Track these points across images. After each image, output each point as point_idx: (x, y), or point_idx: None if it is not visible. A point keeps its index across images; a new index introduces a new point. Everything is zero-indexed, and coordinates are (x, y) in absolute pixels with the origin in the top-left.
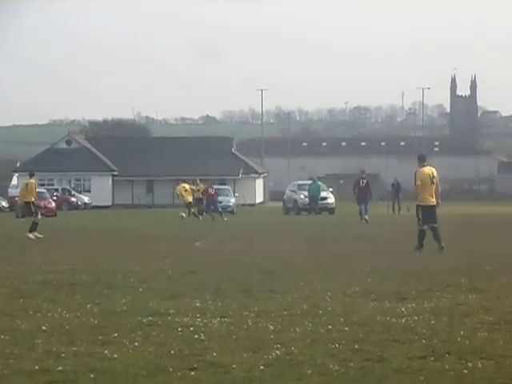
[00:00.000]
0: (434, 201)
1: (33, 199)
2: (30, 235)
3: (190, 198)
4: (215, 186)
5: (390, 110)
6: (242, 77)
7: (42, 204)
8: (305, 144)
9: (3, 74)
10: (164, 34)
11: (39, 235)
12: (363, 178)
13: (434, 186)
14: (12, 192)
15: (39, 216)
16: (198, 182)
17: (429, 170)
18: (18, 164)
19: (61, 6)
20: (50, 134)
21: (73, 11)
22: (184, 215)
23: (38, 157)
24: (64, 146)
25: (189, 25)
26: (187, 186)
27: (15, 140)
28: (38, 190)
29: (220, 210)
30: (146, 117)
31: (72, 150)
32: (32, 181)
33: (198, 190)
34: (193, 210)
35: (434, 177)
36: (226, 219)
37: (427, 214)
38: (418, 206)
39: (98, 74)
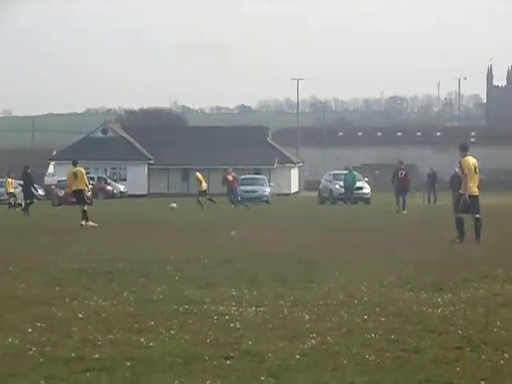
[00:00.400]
0: (476, 191)
1: (84, 187)
2: (90, 223)
3: (205, 187)
4: (250, 176)
5: (425, 100)
6: (277, 66)
7: None
8: (340, 134)
9: (40, 64)
10: (200, 22)
11: (93, 224)
12: (402, 169)
13: (477, 176)
14: (48, 180)
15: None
16: (231, 171)
17: (472, 159)
18: (55, 152)
19: (86, 7)
20: (86, 122)
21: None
22: (175, 205)
23: (74, 145)
24: (100, 134)
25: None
26: (200, 176)
27: (51, 129)
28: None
29: (239, 199)
30: (182, 106)
31: (108, 139)
32: (80, 169)
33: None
34: (200, 198)
35: (476, 167)
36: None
37: (469, 203)
38: (460, 194)
39: (134, 63)
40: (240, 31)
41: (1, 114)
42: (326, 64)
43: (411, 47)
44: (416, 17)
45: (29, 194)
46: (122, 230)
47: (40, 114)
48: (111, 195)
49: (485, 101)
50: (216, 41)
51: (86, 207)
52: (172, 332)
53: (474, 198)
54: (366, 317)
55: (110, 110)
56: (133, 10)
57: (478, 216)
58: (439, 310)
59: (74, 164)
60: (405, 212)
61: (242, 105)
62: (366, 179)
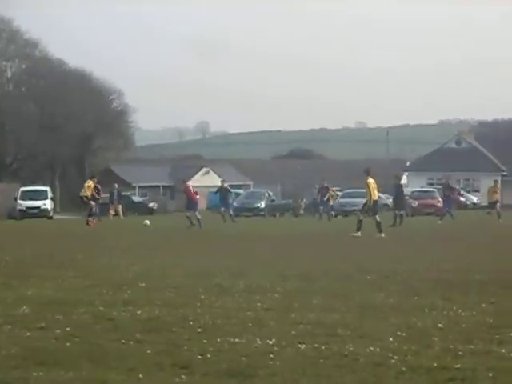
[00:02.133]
0: None
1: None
2: (382, 235)
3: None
4: None
5: None
6: None
7: (429, 203)
8: None
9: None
10: None
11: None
12: None
13: None
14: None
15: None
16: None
17: None
18: (408, 163)
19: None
20: (439, 134)
21: None
22: (148, 222)
23: (427, 156)
24: (454, 145)
25: None
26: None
27: (407, 140)
28: (424, 188)
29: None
30: None
31: (461, 150)
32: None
33: None
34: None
35: None
36: None
37: None
38: None
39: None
40: None
41: (354, 125)
42: None
43: None
44: None
45: (402, 206)
46: (474, 240)
47: (396, 125)
48: (464, 206)
49: None
50: None
51: (379, 218)
52: None
53: None
54: None
55: (463, 120)
56: None
57: None
58: None
59: (367, 173)
60: None
61: None
62: None
